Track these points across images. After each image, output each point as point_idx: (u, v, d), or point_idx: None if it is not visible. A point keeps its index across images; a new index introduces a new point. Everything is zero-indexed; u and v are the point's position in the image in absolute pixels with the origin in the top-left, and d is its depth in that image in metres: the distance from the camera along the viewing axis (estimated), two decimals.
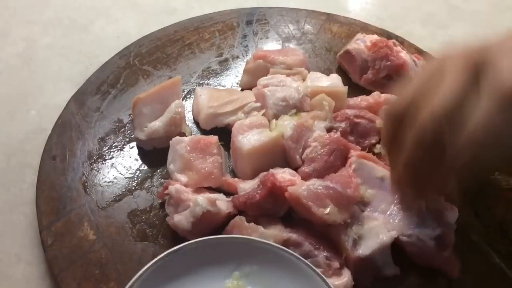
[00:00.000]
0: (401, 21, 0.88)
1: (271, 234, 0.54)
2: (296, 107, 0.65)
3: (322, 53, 0.78)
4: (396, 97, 0.51)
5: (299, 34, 0.80)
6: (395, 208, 0.58)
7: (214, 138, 0.62)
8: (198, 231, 0.55)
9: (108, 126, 0.67)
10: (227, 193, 0.61)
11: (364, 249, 0.55)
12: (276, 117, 0.64)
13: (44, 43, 0.80)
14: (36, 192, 0.60)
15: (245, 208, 0.57)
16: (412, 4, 0.91)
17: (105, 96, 0.69)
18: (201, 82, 0.73)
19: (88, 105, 0.68)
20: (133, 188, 0.62)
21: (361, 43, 0.72)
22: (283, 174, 0.58)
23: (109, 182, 0.62)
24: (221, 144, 0.63)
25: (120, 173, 0.63)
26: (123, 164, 0.64)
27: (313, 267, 0.50)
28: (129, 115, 0.68)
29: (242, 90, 0.71)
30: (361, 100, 0.68)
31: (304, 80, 0.69)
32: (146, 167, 0.64)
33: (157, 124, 0.63)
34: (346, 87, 0.68)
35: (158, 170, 0.64)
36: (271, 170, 0.58)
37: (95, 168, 0.63)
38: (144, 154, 0.65)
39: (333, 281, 0.53)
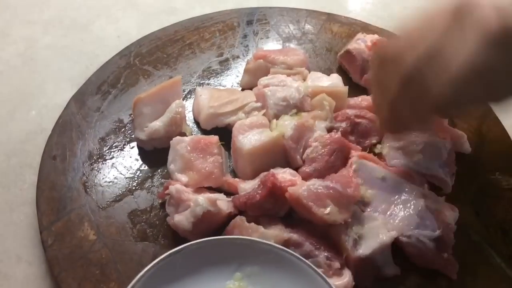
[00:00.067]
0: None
1: (272, 234, 0.54)
2: (297, 107, 0.65)
3: (322, 53, 0.78)
4: (386, 41, 0.53)
5: (299, 34, 0.80)
6: (395, 208, 0.58)
7: (214, 138, 0.62)
8: (198, 231, 0.55)
9: (108, 126, 0.67)
10: (228, 193, 0.60)
11: (364, 249, 0.55)
12: (277, 117, 0.64)
13: (45, 43, 0.80)
14: (36, 192, 0.60)
15: (245, 208, 0.57)
16: (413, 4, 0.91)
17: (106, 96, 0.69)
18: (201, 82, 0.73)
19: (89, 105, 0.68)
20: (134, 188, 0.62)
21: (361, 43, 0.72)
22: (283, 174, 0.58)
23: (109, 182, 0.62)
24: (221, 144, 0.63)
25: (121, 173, 0.63)
26: (123, 164, 0.64)
27: (314, 267, 0.50)
28: (130, 115, 0.68)
29: (242, 90, 0.71)
30: (361, 100, 0.68)
31: (304, 80, 0.69)
32: (146, 167, 0.64)
33: (157, 124, 0.63)
34: (347, 87, 0.68)
35: (159, 170, 0.64)
36: (271, 170, 0.58)
37: (96, 168, 0.63)
38: (145, 154, 0.65)
39: (334, 281, 0.53)
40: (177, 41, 0.76)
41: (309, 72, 0.71)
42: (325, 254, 0.54)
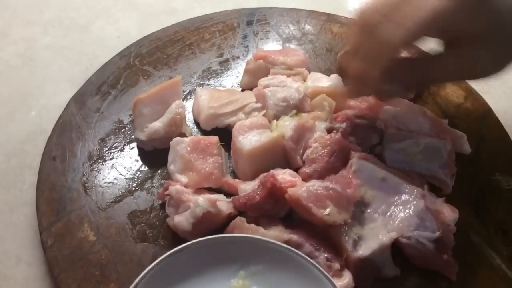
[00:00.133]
0: None
1: (272, 235, 0.54)
2: (297, 107, 0.65)
3: (322, 53, 0.78)
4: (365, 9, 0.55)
5: (299, 34, 0.79)
6: (395, 209, 0.58)
7: (214, 139, 0.62)
8: (198, 232, 0.55)
9: (108, 127, 0.67)
10: (228, 194, 0.60)
11: (364, 250, 0.55)
12: (277, 117, 0.64)
13: (44, 43, 0.80)
14: (36, 193, 0.60)
15: (245, 209, 0.57)
16: None
17: (106, 97, 0.69)
18: (201, 82, 0.73)
19: (89, 106, 0.68)
20: (134, 189, 0.62)
21: None
22: (283, 175, 0.58)
23: (109, 183, 0.62)
24: (221, 144, 0.62)
25: (121, 174, 0.63)
26: (123, 165, 0.64)
27: (319, 267, 0.50)
28: (130, 115, 0.68)
29: (242, 90, 0.71)
30: (361, 100, 0.68)
31: (304, 80, 0.69)
32: (146, 168, 0.64)
33: (157, 125, 0.63)
34: (347, 88, 0.68)
35: (159, 171, 0.64)
36: (271, 171, 0.58)
37: (95, 169, 0.63)
38: (145, 154, 0.65)
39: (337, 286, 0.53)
40: (177, 42, 0.76)
41: (309, 73, 0.71)
42: (325, 255, 0.54)
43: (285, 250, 0.51)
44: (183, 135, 0.64)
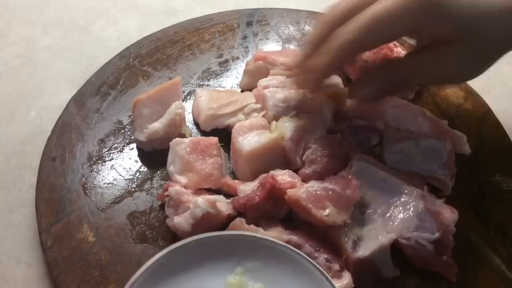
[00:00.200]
0: None
1: (271, 236, 0.54)
2: (296, 108, 0.64)
3: None
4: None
5: (299, 35, 0.79)
6: (395, 210, 0.58)
7: (214, 139, 0.62)
8: (198, 233, 0.55)
9: (108, 128, 0.67)
10: (227, 195, 0.60)
11: (363, 251, 0.55)
12: (276, 118, 0.64)
13: (44, 44, 0.80)
14: (35, 194, 0.60)
15: (244, 210, 0.57)
16: None
17: (105, 97, 0.69)
18: (201, 83, 0.73)
19: (88, 106, 0.68)
20: (133, 189, 0.62)
21: None
22: (283, 176, 0.58)
23: (108, 184, 0.62)
24: (221, 145, 0.62)
25: (120, 175, 0.63)
26: (122, 166, 0.64)
27: (314, 263, 0.50)
28: (129, 116, 0.68)
29: (242, 91, 0.71)
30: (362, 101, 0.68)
31: None
32: (146, 169, 0.64)
33: (157, 126, 0.63)
34: (347, 88, 0.68)
35: (158, 172, 0.64)
36: (271, 171, 0.58)
37: (95, 170, 0.63)
38: (144, 155, 0.65)
39: (333, 283, 0.53)
40: (176, 42, 0.76)
41: None
42: (325, 256, 0.54)
43: (282, 247, 0.51)
44: (182, 136, 0.64)
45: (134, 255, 0.57)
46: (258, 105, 0.65)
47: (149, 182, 0.63)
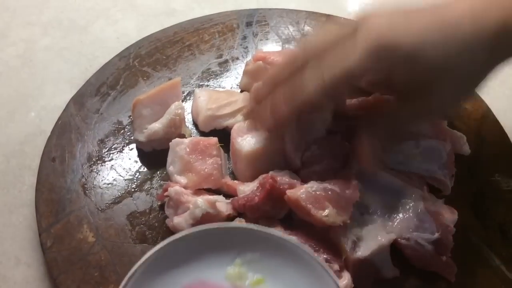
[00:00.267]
0: None
1: None
2: None
3: None
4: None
5: (299, 35, 0.79)
6: (394, 210, 0.58)
7: (213, 140, 0.62)
8: None
9: (107, 128, 0.67)
10: (227, 195, 0.60)
11: (363, 251, 0.55)
12: None
13: (44, 44, 0.80)
14: (35, 194, 0.60)
15: (244, 210, 0.57)
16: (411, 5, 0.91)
17: (105, 98, 0.69)
18: (200, 83, 0.73)
19: (88, 107, 0.68)
20: (133, 190, 0.62)
21: None
22: (282, 177, 0.58)
23: (108, 184, 0.62)
24: (220, 145, 0.63)
25: (120, 175, 0.63)
26: (122, 166, 0.64)
27: (313, 254, 0.50)
28: (129, 116, 0.68)
29: (241, 91, 0.71)
30: (361, 101, 0.68)
31: None
32: (145, 169, 0.64)
33: (156, 126, 0.63)
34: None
35: (158, 172, 0.64)
36: (270, 172, 0.58)
37: (95, 170, 0.63)
38: (144, 155, 0.65)
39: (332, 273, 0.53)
40: (176, 43, 0.76)
41: None
42: (324, 256, 0.54)
43: (280, 239, 0.51)
44: (182, 136, 0.64)
45: (134, 256, 0.57)
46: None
47: (148, 182, 0.63)
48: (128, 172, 0.63)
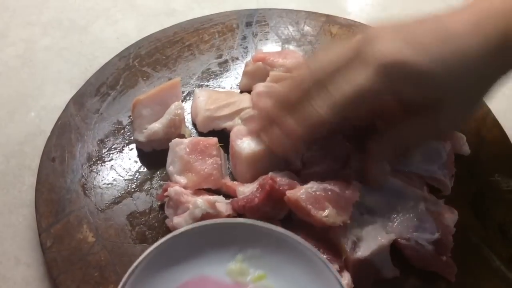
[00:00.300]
0: None
1: None
2: None
3: None
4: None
5: (298, 35, 0.79)
6: (394, 211, 0.58)
7: (213, 140, 0.62)
8: None
9: (107, 128, 0.67)
10: (227, 195, 0.60)
11: (363, 251, 0.55)
12: None
13: (44, 44, 0.80)
14: (35, 194, 0.60)
15: (244, 211, 0.57)
16: (412, 6, 0.91)
17: (105, 98, 0.69)
18: (200, 83, 0.73)
19: (88, 107, 0.68)
20: (133, 190, 0.62)
21: None
22: (282, 177, 0.58)
23: (108, 184, 0.62)
24: (220, 145, 0.62)
25: (120, 175, 0.63)
26: (122, 166, 0.64)
27: (314, 250, 0.50)
28: (129, 116, 0.68)
29: (241, 92, 0.71)
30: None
31: None
32: (145, 169, 0.64)
33: (156, 126, 0.63)
34: None
35: (158, 172, 0.64)
36: (270, 173, 0.58)
37: (94, 170, 0.63)
38: (144, 156, 0.65)
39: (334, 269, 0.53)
40: (176, 43, 0.76)
41: None
42: (324, 256, 0.54)
43: (281, 234, 0.51)
44: (182, 136, 0.64)
45: (134, 256, 0.56)
46: (255, 112, 0.65)
47: (148, 182, 0.63)
48: (128, 172, 0.63)
